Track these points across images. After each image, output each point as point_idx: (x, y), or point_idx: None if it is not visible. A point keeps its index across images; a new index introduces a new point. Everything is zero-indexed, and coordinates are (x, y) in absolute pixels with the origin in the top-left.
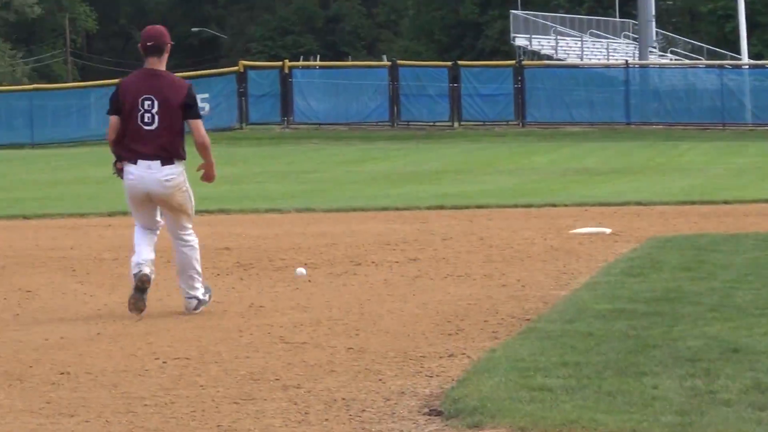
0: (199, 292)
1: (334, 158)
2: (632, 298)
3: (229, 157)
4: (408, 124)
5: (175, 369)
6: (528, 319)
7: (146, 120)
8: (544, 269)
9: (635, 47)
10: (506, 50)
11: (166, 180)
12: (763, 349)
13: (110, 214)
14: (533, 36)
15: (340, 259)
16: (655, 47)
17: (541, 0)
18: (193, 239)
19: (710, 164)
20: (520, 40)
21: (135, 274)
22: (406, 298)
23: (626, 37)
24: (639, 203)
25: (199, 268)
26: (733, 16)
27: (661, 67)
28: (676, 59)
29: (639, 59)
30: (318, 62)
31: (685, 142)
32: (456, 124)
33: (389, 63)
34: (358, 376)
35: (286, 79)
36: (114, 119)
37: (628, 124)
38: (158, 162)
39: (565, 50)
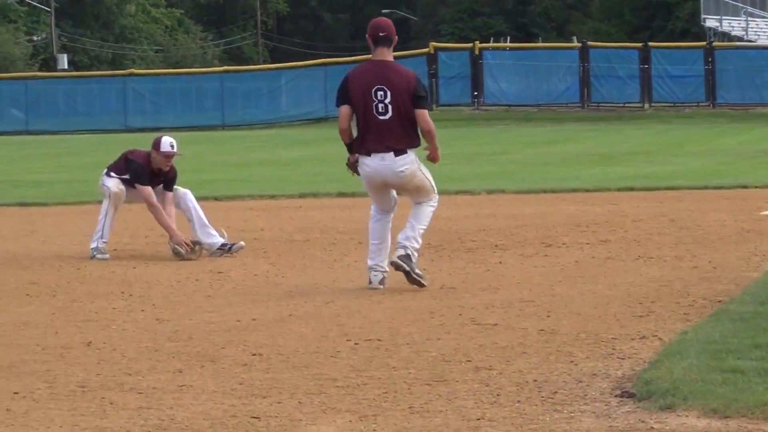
0: (413, 245)
1: (524, 140)
2: None
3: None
4: (598, 106)
5: (366, 350)
6: (719, 301)
7: (380, 110)
8: (735, 251)
9: None
10: (696, 31)
11: (401, 171)
12: None
13: (300, 196)
14: (723, 17)
15: (530, 240)
16: None
17: None
18: (436, 202)
19: None
20: (711, 21)
21: (371, 277)
22: (597, 280)
23: None
24: None
25: (424, 230)
26: None
27: None
28: None
29: None
30: (508, 44)
31: None
32: (646, 106)
33: (579, 44)
34: (549, 357)
35: (476, 61)
36: (345, 108)
37: None
38: (392, 154)
39: (755, 31)
